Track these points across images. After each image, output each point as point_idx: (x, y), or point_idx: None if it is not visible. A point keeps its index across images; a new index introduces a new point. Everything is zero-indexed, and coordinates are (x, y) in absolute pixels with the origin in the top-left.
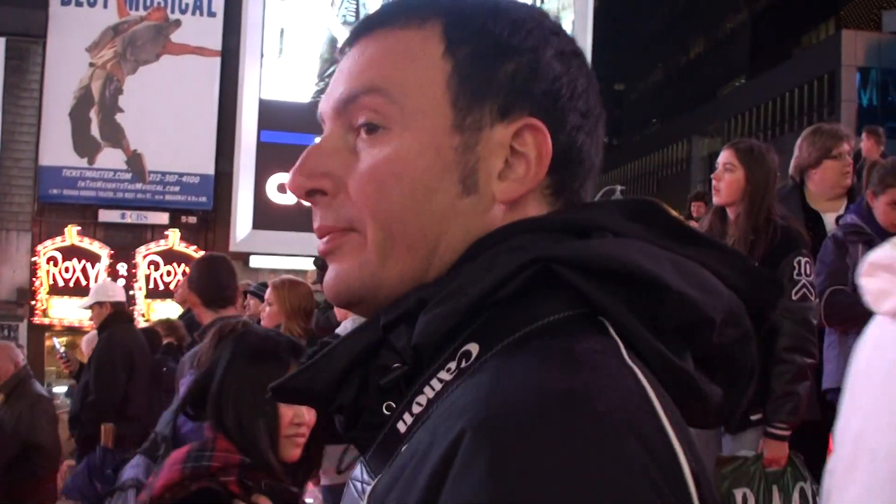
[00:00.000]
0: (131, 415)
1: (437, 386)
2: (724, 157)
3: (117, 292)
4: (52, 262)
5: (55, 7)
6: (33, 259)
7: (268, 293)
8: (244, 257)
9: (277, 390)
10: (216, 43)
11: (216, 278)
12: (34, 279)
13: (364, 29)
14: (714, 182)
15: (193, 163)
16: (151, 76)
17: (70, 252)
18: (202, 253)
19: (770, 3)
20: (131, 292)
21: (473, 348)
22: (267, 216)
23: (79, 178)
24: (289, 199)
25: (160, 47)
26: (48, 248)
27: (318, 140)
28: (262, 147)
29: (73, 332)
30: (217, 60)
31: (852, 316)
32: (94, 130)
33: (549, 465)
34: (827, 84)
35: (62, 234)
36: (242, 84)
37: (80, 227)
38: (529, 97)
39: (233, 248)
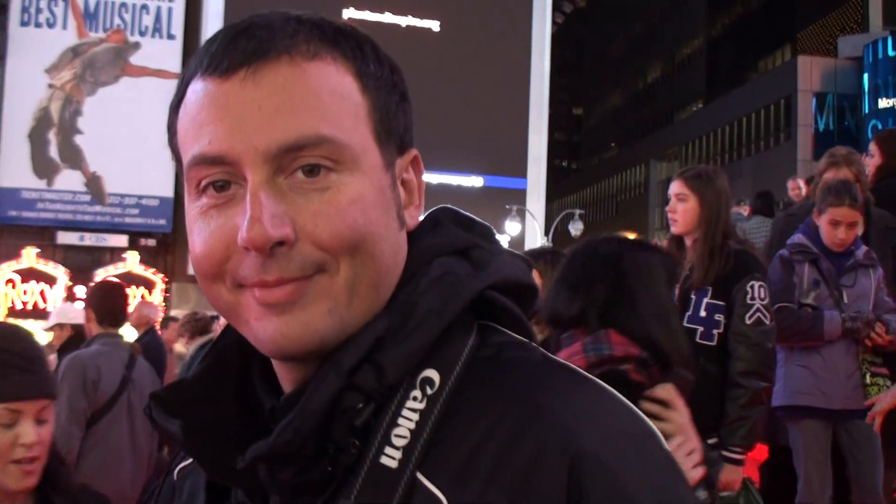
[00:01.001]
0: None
1: (413, 416)
2: (675, 187)
3: (78, 315)
4: (10, 285)
5: (14, 28)
6: None
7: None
8: None
9: (260, 458)
10: (175, 65)
11: (110, 301)
12: None
13: (261, 53)
14: (669, 214)
15: (153, 185)
16: (111, 98)
17: (28, 274)
18: (161, 276)
19: (727, 29)
20: None
21: (433, 375)
22: None
23: (38, 199)
24: None
25: (119, 69)
26: (6, 270)
27: (253, 186)
28: None
29: None
30: (176, 83)
31: (797, 331)
32: (53, 152)
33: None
34: (783, 109)
35: (20, 256)
36: None
37: (38, 250)
38: (411, 131)
39: (191, 270)
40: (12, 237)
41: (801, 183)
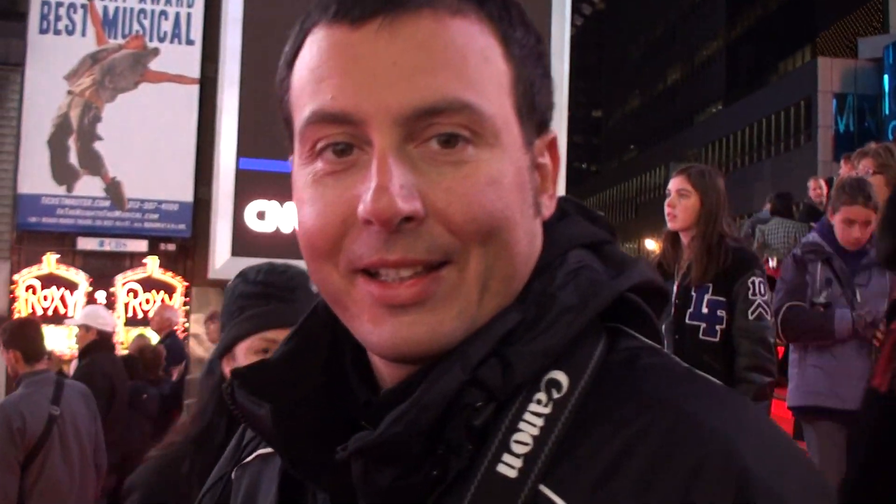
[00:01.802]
0: (110, 442)
1: (537, 421)
2: (677, 183)
3: (107, 321)
4: (30, 291)
5: (33, 35)
6: (11, 287)
7: None
8: (223, 284)
9: (363, 450)
10: (195, 70)
11: (29, 339)
12: (13, 307)
13: (399, 3)
14: (668, 209)
15: (172, 190)
16: (130, 104)
17: (49, 280)
18: (181, 280)
19: (746, 31)
20: None
21: (561, 378)
22: (245, 244)
23: (57, 205)
24: (267, 226)
25: (139, 75)
26: (26, 276)
27: (381, 150)
28: (240, 174)
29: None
30: (195, 88)
31: (807, 330)
32: (73, 158)
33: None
34: (804, 110)
35: (40, 262)
36: (221, 111)
37: (58, 255)
38: (552, 110)
39: (211, 275)
40: (32, 243)
41: (822, 183)
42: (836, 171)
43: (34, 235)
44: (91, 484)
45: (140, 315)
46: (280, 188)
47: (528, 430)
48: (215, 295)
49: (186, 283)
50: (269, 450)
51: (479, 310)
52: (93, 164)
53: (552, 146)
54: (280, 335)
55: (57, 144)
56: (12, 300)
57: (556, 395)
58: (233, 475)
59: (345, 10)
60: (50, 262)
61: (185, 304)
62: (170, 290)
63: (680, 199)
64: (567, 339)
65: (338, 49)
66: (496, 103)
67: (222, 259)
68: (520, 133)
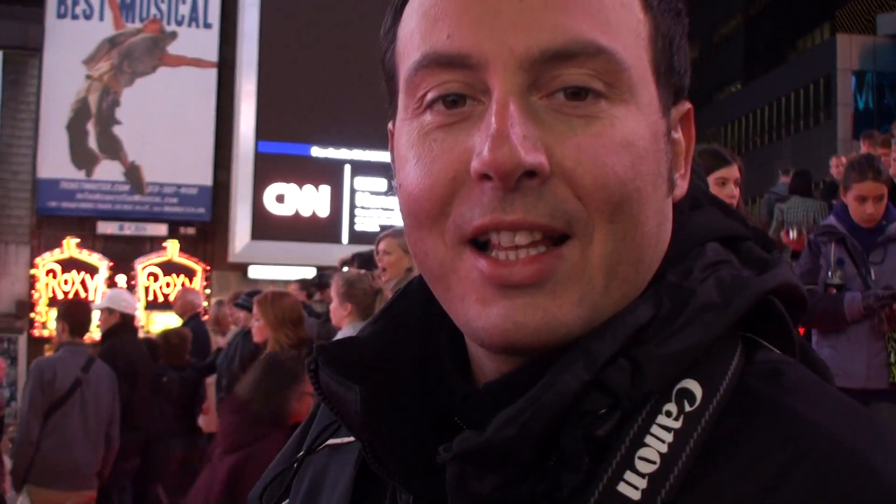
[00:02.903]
0: (133, 424)
1: (666, 437)
2: (735, 171)
3: (130, 305)
4: (51, 275)
5: (51, 20)
6: (32, 272)
7: (254, 309)
8: (243, 268)
9: (468, 454)
10: (212, 54)
11: (79, 316)
12: (33, 292)
13: None
14: (730, 199)
15: (191, 174)
16: (148, 88)
17: (69, 264)
18: (201, 264)
19: (764, 9)
20: None
21: (694, 388)
22: (265, 227)
23: (77, 190)
24: (287, 209)
25: (157, 59)
26: (47, 260)
27: (501, 95)
28: (259, 157)
29: None
30: (213, 71)
31: (819, 315)
32: (92, 143)
33: None
34: (823, 88)
35: (61, 246)
36: (239, 95)
37: (78, 240)
38: (688, 75)
39: (231, 258)
40: (52, 228)
41: (845, 160)
42: (857, 149)
43: (54, 220)
44: (100, 451)
45: (160, 299)
46: (299, 171)
47: (655, 445)
48: (235, 278)
49: (206, 267)
50: (339, 439)
51: (603, 298)
52: (112, 148)
53: (687, 120)
54: None
55: (76, 129)
56: (33, 284)
57: (688, 408)
58: (296, 466)
59: None
60: (70, 247)
61: (205, 287)
62: (190, 273)
63: (736, 189)
64: (705, 342)
65: None
66: (634, 54)
67: (242, 242)
68: (657, 94)
